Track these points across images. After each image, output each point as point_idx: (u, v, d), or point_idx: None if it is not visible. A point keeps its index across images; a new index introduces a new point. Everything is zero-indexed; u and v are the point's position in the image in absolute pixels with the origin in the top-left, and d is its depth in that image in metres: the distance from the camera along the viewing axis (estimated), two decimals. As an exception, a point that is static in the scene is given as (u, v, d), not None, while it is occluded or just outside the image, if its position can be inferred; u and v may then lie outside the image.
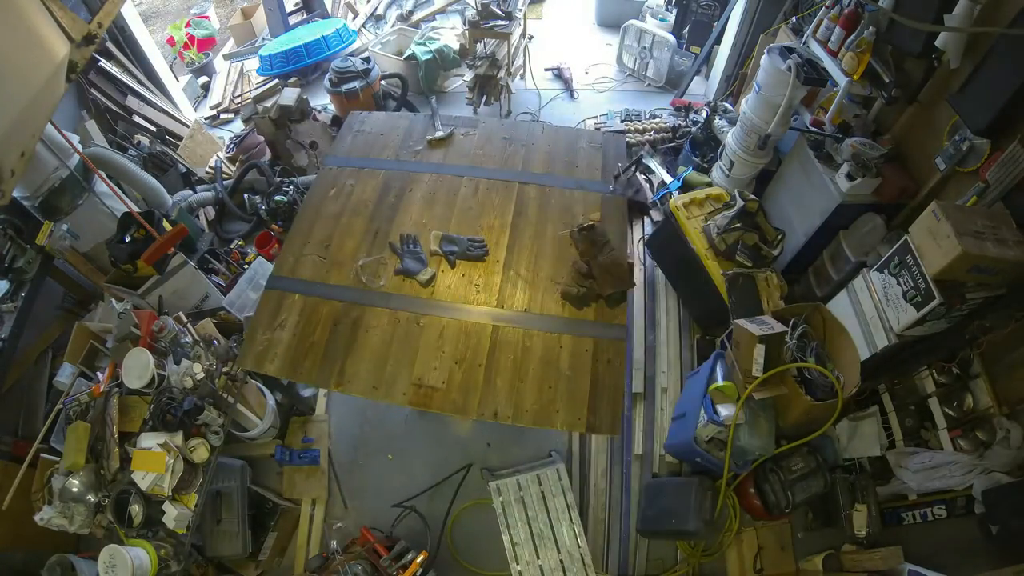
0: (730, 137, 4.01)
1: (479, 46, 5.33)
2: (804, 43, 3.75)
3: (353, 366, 2.33)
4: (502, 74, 5.20)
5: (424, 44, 5.64)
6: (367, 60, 5.23)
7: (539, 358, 2.33)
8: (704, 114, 4.79)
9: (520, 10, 5.18)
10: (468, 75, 5.23)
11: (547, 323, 2.43)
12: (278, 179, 4.49)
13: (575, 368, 2.30)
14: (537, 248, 2.68)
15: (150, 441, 2.63)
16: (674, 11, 5.97)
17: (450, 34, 6.01)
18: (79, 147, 3.32)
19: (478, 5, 5.04)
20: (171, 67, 5.71)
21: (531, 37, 5.90)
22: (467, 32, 5.26)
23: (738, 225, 3.32)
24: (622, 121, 5.24)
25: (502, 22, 4.95)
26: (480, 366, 2.31)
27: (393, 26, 6.26)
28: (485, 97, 5.28)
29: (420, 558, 2.66)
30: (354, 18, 6.60)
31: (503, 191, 2.90)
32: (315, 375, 2.34)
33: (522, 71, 5.77)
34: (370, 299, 2.51)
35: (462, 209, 2.83)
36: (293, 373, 2.36)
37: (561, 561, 2.96)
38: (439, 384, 2.26)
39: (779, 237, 3.39)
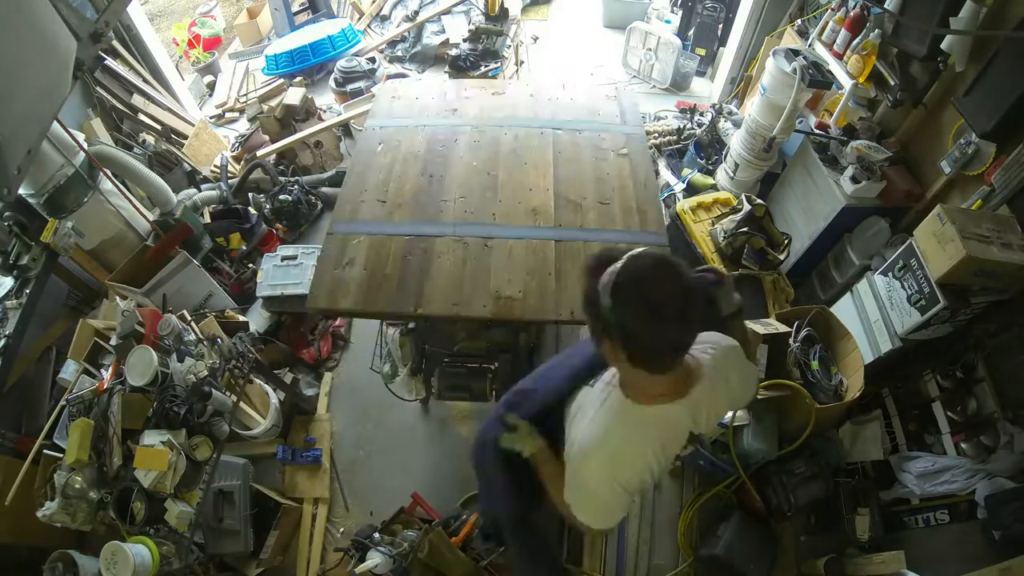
0: (735, 140, 4.01)
1: None
2: (809, 45, 3.75)
3: (430, 290, 2.48)
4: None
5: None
6: (372, 60, 5.23)
7: None
8: (709, 116, 4.79)
9: (508, 47, 4.84)
10: None
11: (602, 235, 2.66)
12: (283, 179, 4.50)
13: None
14: (579, 177, 2.95)
15: (153, 438, 2.63)
16: (679, 13, 5.97)
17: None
18: (85, 145, 3.33)
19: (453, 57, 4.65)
20: (176, 66, 5.72)
21: (536, 38, 5.89)
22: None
23: (745, 229, 3.32)
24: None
25: (491, 64, 4.63)
26: (550, 275, 2.52)
27: (398, 26, 6.26)
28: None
29: (475, 518, 2.71)
30: (359, 18, 6.61)
31: (539, 137, 3.17)
32: (392, 303, 2.47)
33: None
34: (438, 229, 2.69)
35: (506, 152, 3.08)
36: (370, 304, 2.47)
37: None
38: (516, 294, 2.46)
39: (786, 242, 3.39)
